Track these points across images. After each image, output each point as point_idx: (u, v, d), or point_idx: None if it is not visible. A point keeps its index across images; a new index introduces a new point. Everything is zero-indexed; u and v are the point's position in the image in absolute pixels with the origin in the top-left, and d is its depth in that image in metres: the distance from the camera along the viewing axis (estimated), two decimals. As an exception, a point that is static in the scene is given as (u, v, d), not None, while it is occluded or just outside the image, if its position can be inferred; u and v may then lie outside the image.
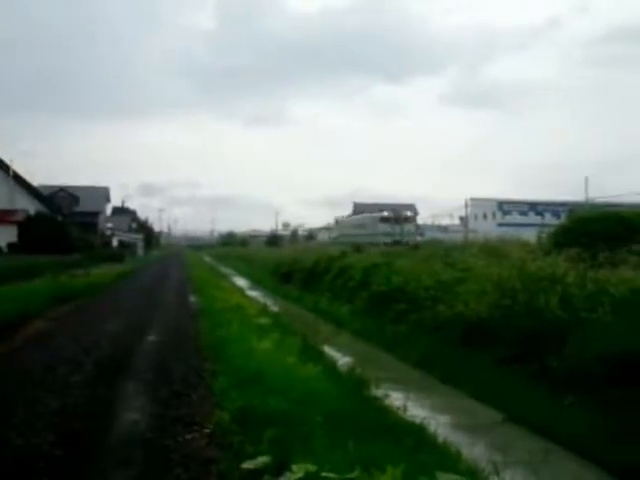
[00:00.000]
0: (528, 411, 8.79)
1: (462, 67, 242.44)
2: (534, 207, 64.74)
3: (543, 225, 30.03)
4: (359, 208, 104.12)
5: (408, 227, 57.46)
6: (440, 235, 56.59)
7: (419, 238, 54.55)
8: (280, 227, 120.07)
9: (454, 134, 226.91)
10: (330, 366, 11.03)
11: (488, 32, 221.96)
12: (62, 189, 62.61)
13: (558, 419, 8.26)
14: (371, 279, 20.11)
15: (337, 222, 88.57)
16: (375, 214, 63.17)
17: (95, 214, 66.84)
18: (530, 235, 24.18)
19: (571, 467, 7.24)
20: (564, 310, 10.50)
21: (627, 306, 9.66)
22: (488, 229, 47.43)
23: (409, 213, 63.48)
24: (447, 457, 6.40)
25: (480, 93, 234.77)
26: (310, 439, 5.76)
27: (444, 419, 9.01)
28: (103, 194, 73.36)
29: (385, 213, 61.54)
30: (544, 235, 19.93)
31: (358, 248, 32.07)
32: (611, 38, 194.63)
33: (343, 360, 12.47)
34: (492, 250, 19.73)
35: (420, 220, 77.91)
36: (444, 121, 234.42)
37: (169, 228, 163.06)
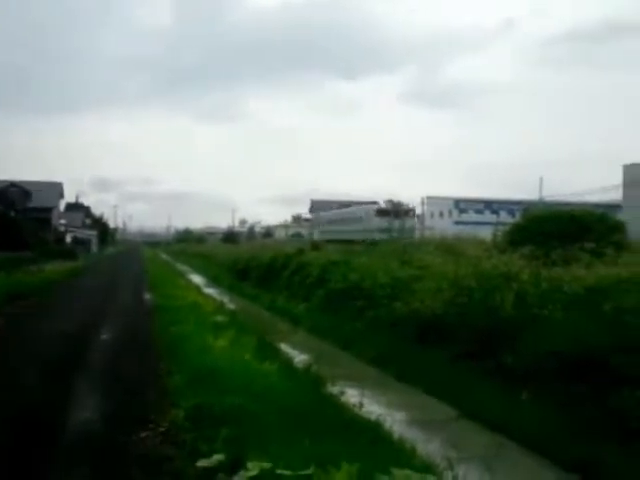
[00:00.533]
0: (483, 407, 8.86)
1: (421, 66, 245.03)
2: (490, 205, 65.42)
3: (498, 223, 30.46)
4: (316, 205, 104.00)
5: (409, 222, 49.01)
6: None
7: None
8: (237, 224, 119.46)
9: (411, 133, 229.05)
10: (286, 364, 11.00)
11: (447, 32, 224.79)
12: (14, 184, 61.03)
13: (512, 415, 8.35)
14: (329, 276, 20.10)
15: (296, 217, 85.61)
16: (369, 206, 53.08)
17: (48, 210, 65.34)
18: (486, 233, 24.48)
19: (524, 462, 7.34)
20: (519, 307, 10.64)
21: (579, 304, 9.84)
22: (445, 227, 47.68)
23: (410, 205, 52.01)
24: (402, 453, 6.42)
25: (438, 92, 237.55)
26: (265, 436, 5.73)
27: (400, 416, 9.06)
28: (56, 189, 71.76)
29: (382, 204, 51.44)
30: (499, 233, 20.20)
31: (316, 246, 32.05)
32: (565, 39, 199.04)
33: (300, 357, 12.45)
34: (448, 248, 19.93)
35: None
36: (402, 120, 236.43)
37: (124, 224, 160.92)
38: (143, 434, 6.47)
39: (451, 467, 5.97)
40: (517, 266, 12.11)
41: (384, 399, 10.02)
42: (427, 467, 5.86)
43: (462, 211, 66.40)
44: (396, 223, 46.85)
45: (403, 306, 13.85)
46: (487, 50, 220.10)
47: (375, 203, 53.28)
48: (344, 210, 61.74)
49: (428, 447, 7.20)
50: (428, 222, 54.03)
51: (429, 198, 56.31)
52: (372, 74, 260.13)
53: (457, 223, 55.63)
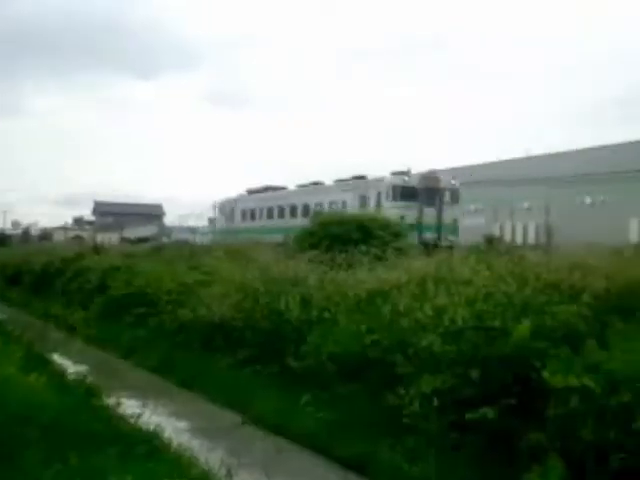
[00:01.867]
0: (266, 412, 8.84)
1: (219, 67, 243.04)
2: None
3: (289, 228, 30.92)
4: (100, 207, 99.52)
5: (452, 212, 30.73)
6: (190, 236, 53.51)
7: (165, 239, 48.96)
8: (9, 226, 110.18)
9: (201, 133, 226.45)
10: (58, 376, 10.17)
11: (244, 32, 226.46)
12: None
13: (294, 418, 8.40)
14: (110, 282, 19.11)
15: (78, 219, 79.34)
16: (378, 180, 31.47)
17: None
18: (277, 237, 24.83)
19: (302, 462, 7.43)
20: (304, 311, 10.75)
21: (361, 306, 10.14)
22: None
23: (453, 182, 31.91)
24: (181, 464, 6.10)
25: (231, 93, 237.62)
26: (24, 456, 5.11)
27: (182, 425, 8.75)
28: None
29: (405, 178, 30.47)
30: (289, 238, 20.46)
31: (97, 249, 30.32)
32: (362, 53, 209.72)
33: (74, 369, 11.58)
34: (238, 253, 19.81)
35: (167, 221, 74.99)
36: (193, 120, 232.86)
37: None
38: None
39: (230, 475, 5.78)
40: (304, 270, 12.27)
41: (165, 408, 9.62)
42: (205, 476, 5.60)
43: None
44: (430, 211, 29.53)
45: (189, 313, 13.47)
46: (283, 52, 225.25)
47: (362, 177, 33.24)
48: (332, 185, 35.94)
49: (209, 456, 6.93)
50: (220, 226, 53.31)
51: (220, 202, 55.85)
52: (167, 74, 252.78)
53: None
